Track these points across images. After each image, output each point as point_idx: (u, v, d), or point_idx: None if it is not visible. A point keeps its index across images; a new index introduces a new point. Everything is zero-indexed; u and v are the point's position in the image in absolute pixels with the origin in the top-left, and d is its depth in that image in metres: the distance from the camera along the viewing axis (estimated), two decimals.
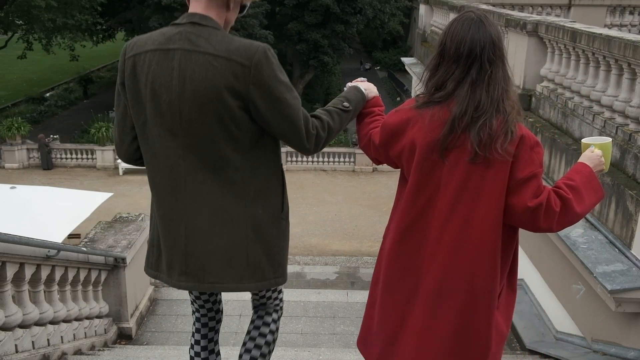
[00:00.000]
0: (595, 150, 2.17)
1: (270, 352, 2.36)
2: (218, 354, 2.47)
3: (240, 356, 2.35)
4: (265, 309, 2.40)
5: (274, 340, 2.38)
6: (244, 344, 2.37)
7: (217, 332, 2.48)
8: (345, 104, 2.18)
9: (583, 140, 2.26)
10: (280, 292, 2.42)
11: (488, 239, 1.95)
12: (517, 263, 2.17)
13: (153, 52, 1.96)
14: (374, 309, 2.24)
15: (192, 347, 2.46)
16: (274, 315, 2.39)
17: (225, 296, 7.56)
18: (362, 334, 2.35)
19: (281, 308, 2.45)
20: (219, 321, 2.47)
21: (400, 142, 2.04)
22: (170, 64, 1.93)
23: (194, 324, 2.47)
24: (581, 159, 2.13)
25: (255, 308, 2.43)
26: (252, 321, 2.41)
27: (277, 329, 2.41)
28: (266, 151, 2.07)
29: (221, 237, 2.04)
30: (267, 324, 2.36)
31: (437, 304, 2.03)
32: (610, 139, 2.27)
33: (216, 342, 2.48)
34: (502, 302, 2.14)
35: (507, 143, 1.87)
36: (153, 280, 7.07)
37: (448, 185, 1.96)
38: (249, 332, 2.38)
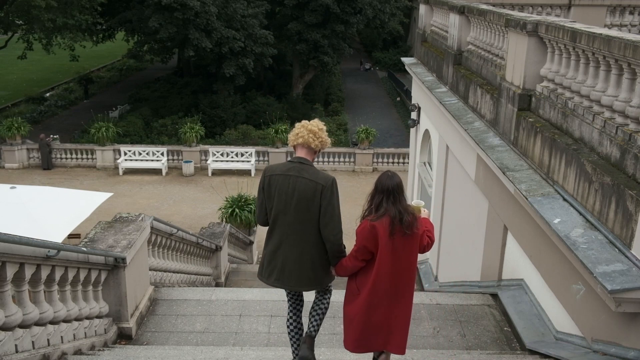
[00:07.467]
0: (424, 209, 4.40)
1: (325, 312, 4.50)
2: (302, 324, 4.60)
3: (310, 313, 4.46)
4: (324, 290, 4.52)
5: (328, 308, 4.52)
6: (312, 307, 4.49)
7: (300, 312, 4.60)
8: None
9: (414, 203, 4.35)
10: (331, 285, 4.56)
11: (414, 264, 4.24)
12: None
13: (279, 175, 4.15)
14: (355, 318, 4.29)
15: (287, 320, 4.60)
16: (328, 294, 4.54)
17: (226, 297, 7.48)
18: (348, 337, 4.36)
19: (331, 291, 4.58)
20: (302, 306, 4.62)
21: (375, 239, 4.04)
22: (288, 182, 4.10)
23: (288, 307, 4.60)
24: (422, 215, 4.30)
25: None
26: (316, 296, 4.52)
27: (330, 301, 4.55)
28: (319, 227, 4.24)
29: (300, 264, 4.20)
30: (325, 298, 4.51)
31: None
32: (424, 202, 4.57)
33: (300, 317, 4.59)
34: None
35: (415, 227, 4.04)
36: (153, 280, 7.08)
37: (397, 248, 4.06)
38: (314, 302, 4.51)
